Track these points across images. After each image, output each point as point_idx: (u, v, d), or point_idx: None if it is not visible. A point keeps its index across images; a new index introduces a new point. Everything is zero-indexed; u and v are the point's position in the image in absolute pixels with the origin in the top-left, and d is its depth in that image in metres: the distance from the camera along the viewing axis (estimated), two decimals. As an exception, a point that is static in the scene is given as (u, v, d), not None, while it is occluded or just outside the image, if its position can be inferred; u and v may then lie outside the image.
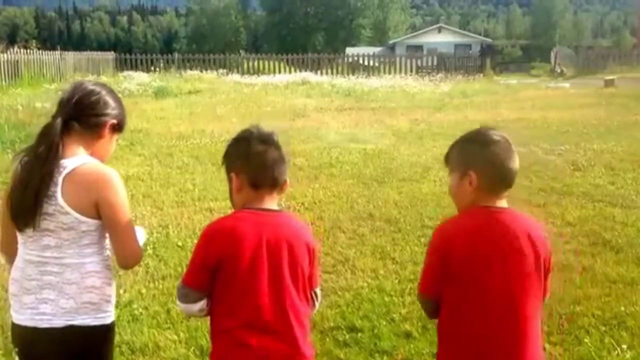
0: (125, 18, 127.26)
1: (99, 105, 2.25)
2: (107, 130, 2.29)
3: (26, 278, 2.11)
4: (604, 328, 3.81)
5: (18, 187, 2.08)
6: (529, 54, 76.20)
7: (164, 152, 9.65)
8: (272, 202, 2.16)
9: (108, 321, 2.20)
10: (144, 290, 4.50)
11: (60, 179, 2.06)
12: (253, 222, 2.09)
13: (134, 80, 22.56)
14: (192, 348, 3.67)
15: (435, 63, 30.75)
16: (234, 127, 12.03)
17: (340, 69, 29.71)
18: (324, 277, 4.64)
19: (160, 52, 48.06)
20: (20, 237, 2.14)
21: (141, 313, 4.10)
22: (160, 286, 4.58)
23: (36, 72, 22.43)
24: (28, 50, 22.72)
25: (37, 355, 2.14)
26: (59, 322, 2.08)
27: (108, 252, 2.21)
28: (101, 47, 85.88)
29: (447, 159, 2.35)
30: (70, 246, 2.10)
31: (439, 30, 57.98)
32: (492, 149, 2.26)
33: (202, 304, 2.06)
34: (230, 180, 2.22)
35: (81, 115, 2.21)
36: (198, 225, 5.87)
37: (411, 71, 29.71)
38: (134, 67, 30.02)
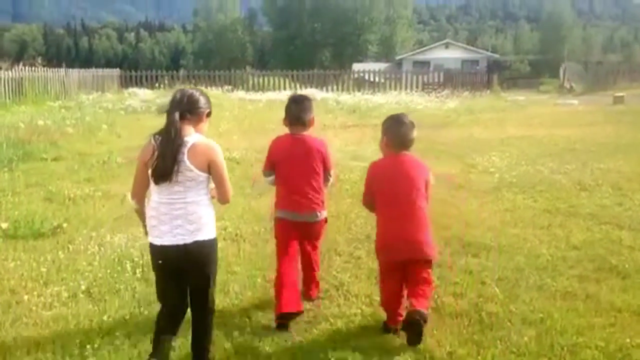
0: (132, 35, 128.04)
1: (199, 102, 3.48)
2: (204, 117, 3.55)
3: (161, 214, 3.34)
4: (608, 362, 3.60)
5: (158, 156, 3.25)
6: (537, 70, 76.04)
7: (162, 170, 9.48)
8: (301, 132, 4.36)
9: (215, 235, 3.47)
10: (128, 317, 4.32)
11: (185, 150, 3.27)
12: (289, 140, 4.40)
13: (138, 97, 22.52)
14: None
15: (441, 79, 30.60)
16: (235, 144, 11.99)
17: (345, 85, 29.58)
18: (317, 302, 4.51)
19: (167, 69, 48.27)
20: (155, 188, 3.34)
21: (123, 342, 3.90)
22: (146, 312, 4.39)
23: (40, 90, 22.42)
24: (33, 68, 22.73)
25: (173, 264, 3.36)
26: (189, 239, 3.31)
27: (209, 193, 3.45)
28: (109, 64, 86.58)
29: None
30: (190, 190, 3.33)
31: (446, 46, 57.92)
32: (397, 126, 4.13)
33: (272, 178, 4.48)
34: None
35: (189, 109, 3.41)
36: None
37: (417, 87, 29.58)
38: (139, 83, 30.01)
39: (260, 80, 31.35)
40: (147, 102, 20.65)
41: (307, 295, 4.54)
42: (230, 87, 28.83)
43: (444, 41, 61.62)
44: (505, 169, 9.17)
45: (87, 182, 8.73)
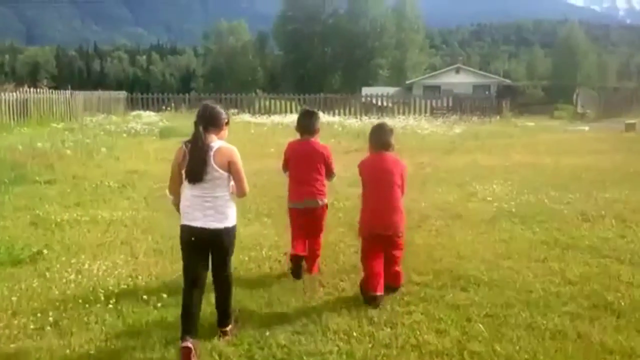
0: (144, 57, 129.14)
1: (220, 115, 4.24)
2: (224, 126, 4.28)
3: (193, 205, 4.13)
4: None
5: (190, 160, 4.05)
6: (551, 95, 75.65)
7: (154, 195, 9.31)
8: (309, 138, 5.68)
9: (235, 223, 4.26)
10: (92, 351, 4.10)
11: (211, 154, 4.06)
12: (299, 144, 5.76)
13: (142, 119, 22.50)
14: None
15: (450, 104, 30.41)
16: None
17: (352, 109, 29.47)
18: (293, 338, 4.27)
19: (177, 91, 48.45)
20: (188, 185, 4.13)
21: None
22: (112, 346, 4.18)
23: (45, 111, 22.47)
24: (38, 90, 22.79)
25: (203, 242, 4.15)
26: (217, 225, 4.12)
27: (229, 189, 4.20)
28: (120, 86, 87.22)
29: None
30: (217, 187, 4.12)
31: (457, 70, 57.76)
32: (378, 132, 5.25)
33: (288, 173, 5.87)
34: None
35: (211, 122, 4.17)
36: (170, 277, 5.49)
37: (425, 112, 29.41)
38: (145, 106, 30.08)
39: (267, 103, 31.34)
40: (150, 125, 20.62)
41: (309, 271, 5.70)
42: (236, 111, 28.83)
43: (455, 66, 61.42)
44: (506, 198, 8.89)
45: (76, 206, 8.55)
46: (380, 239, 5.07)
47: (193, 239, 4.17)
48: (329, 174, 5.86)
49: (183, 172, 4.14)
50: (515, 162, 12.74)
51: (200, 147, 4.05)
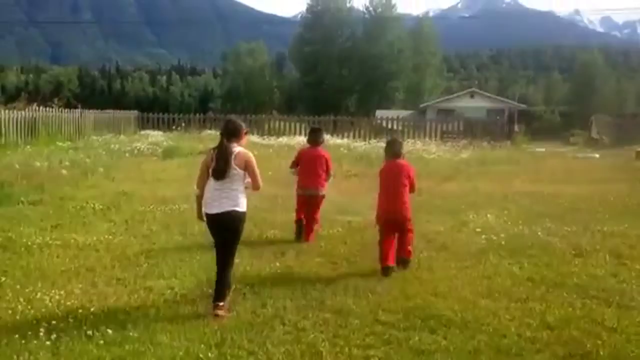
0: (164, 78, 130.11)
1: (240, 128, 5.44)
2: (243, 135, 5.46)
3: (214, 195, 5.28)
4: None
5: (216, 162, 5.24)
6: (569, 121, 74.91)
7: (136, 219, 9.08)
8: (315, 147, 8.30)
9: (245, 210, 5.39)
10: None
11: (232, 157, 5.22)
12: (308, 149, 8.40)
13: (148, 139, 22.40)
14: None
15: (461, 128, 30.01)
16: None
17: (362, 132, 29.17)
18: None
19: (195, 111, 48.56)
20: (212, 181, 5.30)
21: None
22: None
23: (54, 130, 22.44)
24: (48, 109, 22.80)
25: (220, 223, 5.30)
26: (229, 208, 5.24)
27: (244, 185, 5.38)
28: (139, 105, 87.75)
29: None
30: (234, 182, 5.26)
31: (472, 95, 57.43)
32: (391, 144, 7.12)
33: (294, 170, 8.44)
34: None
35: (233, 133, 5.36)
36: (124, 308, 5.20)
37: (436, 136, 29.04)
38: (156, 125, 30.04)
39: (277, 124, 31.20)
40: (155, 145, 20.48)
41: (305, 239, 7.97)
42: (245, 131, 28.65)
43: (469, 90, 61.09)
44: (499, 229, 8.49)
45: (53, 229, 8.30)
46: (391, 224, 6.72)
47: (213, 223, 5.42)
48: (328, 173, 8.31)
49: (210, 170, 5.36)
50: (516, 190, 12.35)
51: (224, 152, 5.32)
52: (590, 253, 7.25)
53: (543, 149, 25.89)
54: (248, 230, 8.28)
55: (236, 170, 5.30)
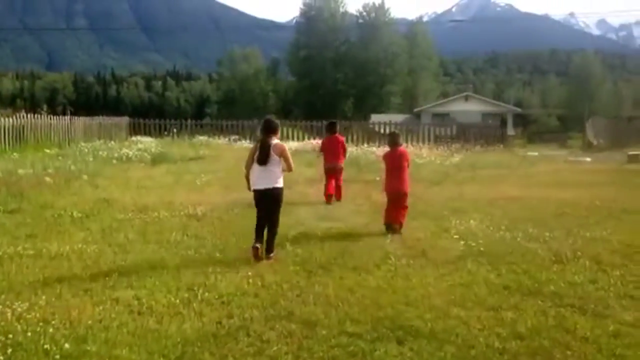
0: (160, 83, 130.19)
1: (276, 125, 7.50)
2: (277, 131, 7.50)
3: (258, 177, 7.32)
4: None
5: (260, 151, 7.24)
6: (566, 124, 74.95)
7: (114, 227, 8.95)
8: (332, 136, 12.37)
9: (282, 186, 7.45)
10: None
11: (271, 147, 7.24)
12: (328, 138, 12.50)
13: (137, 145, 22.28)
14: None
15: (454, 132, 29.96)
16: (205, 199, 11.42)
17: (356, 136, 29.06)
18: None
19: (192, 116, 48.50)
20: (257, 165, 7.29)
21: None
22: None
23: (42, 137, 22.30)
24: (36, 115, 22.66)
25: (263, 198, 7.37)
26: (269, 186, 7.30)
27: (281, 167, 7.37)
28: (135, 111, 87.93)
29: None
30: (272, 166, 7.27)
31: (466, 98, 57.42)
32: (391, 137, 9.95)
33: (322, 154, 12.41)
34: None
35: (270, 129, 7.38)
36: (86, 321, 5.06)
37: (429, 140, 28.99)
38: (148, 131, 29.95)
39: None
40: (144, 151, 20.36)
41: (337, 199, 11.76)
42: (237, 137, 28.62)
43: (464, 94, 61.07)
44: (480, 235, 8.37)
45: (28, 238, 8.17)
46: (393, 196, 9.05)
47: (258, 198, 7.41)
48: (344, 153, 12.36)
49: (255, 157, 7.31)
50: (502, 195, 12.22)
51: (265, 144, 7.28)
52: (571, 259, 7.10)
53: (536, 153, 25.79)
54: (224, 238, 8.24)
55: (274, 157, 7.27)
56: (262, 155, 7.20)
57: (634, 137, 33.88)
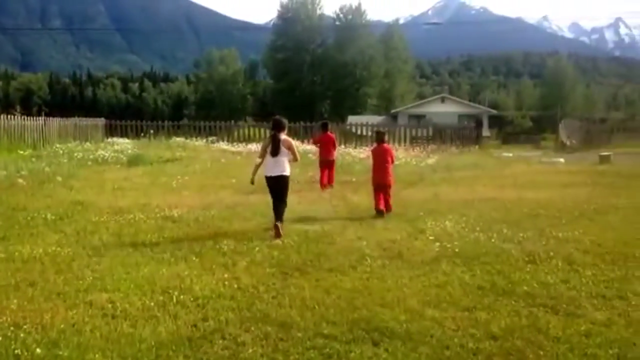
0: (137, 85, 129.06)
1: (283, 123, 9.07)
2: (285, 128, 9.11)
3: (270, 166, 8.85)
4: None
5: (272, 145, 8.81)
6: (540, 126, 75.88)
7: (88, 229, 8.85)
8: (325, 134, 14.97)
9: (289, 174, 8.99)
10: None
11: (281, 142, 8.81)
12: (321, 135, 15.21)
13: (114, 147, 22.09)
14: None
15: (430, 133, 30.15)
16: (182, 201, 11.36)
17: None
18: None
19: (170, 118, 48.18)
20: (269, 156, 8.84)
21: None
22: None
23: (16, 138, 22.05)
24: (9, 116, 22.38)
25: (274, 183, 8.85)
26: (279, 173, 8.83)
27: (289, 158, 8.96)
28: (112, 112, 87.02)
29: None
30: (282, 157, 8.83)
31: (442, 100, 57.84)
32: (378, 134, 11.78)
33: (316, 147, 15.67)
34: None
35: (279, 127, 8.95)
36: (59, 325, 5.00)
37: (405, 141, 29.13)
38: (125, 133, 29.74)
39: (246, 131, 31.08)
40: (120, 153, 20.20)
41: (329, 184, 14.02)
42: (214, 138, 28.52)
43: (440, 95, 61.56)
44: (456, 236, 8.44)
45: (0, 240, 8.06)
46: (379, 186, 10.61)
47: (271, 183, 8.85)
48: (335, 148, 14.86)
49: (268, 150, 8.84)
50: (477, 196, 12.33)
51: (275, 139, 8.79)
52: (544, 260, 7.19)
53: (510, 154, 26.06)
54: (200, 240, 8.21)
55: (283, 150, 8.78)
56: (274, 148, 8.75)
57: (606, 138, 34.43)
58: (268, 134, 31.60)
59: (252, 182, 9.04)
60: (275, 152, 8.71)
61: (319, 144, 15.00)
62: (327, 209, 10.99)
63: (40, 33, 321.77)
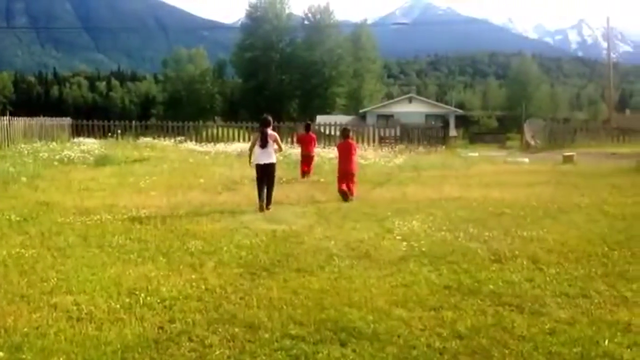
0: (104, 84, 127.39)
1: (269, 120, 11.42)
2: (271, 124, 11.45)
3: (260, 155, 11.18)
4: None
5: (261, 138, 11.15)
6: (505, 125, 76.92)
7: (53, 231, 8.72)
8: (307, 133, 17.95)
9: (275, 161, 11.53)
10: None
11: (268, 135, 11.19)
12: (303, 134, 18.02)
13: (80, 146, 21.79)
14: None
15: (398, 133, 30.35)
16: (149, 202, 11.27)
17: (296, 138, 29.08)
18: None
19: (138, 117, 47.65)
20: (259, 148, 11.21)
21: None
22: None
23: (-20, 138, 21.64)
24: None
25: (264, 170, 11.11)
26: (267, 161, 11.19)
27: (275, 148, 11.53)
28: (78, 111, 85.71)
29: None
30: (269, 147, 11.21)
31: (410, 100, 58.24)
32: (343, 131, 14.14)
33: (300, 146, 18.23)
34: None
35: (267, 123, 11.31)
36: (22, 328, 4.92)
37: (374, 141, 29.27)
38: (91, 132, 29.36)
39: (215, 131, 30.93)
40: (87, 153, 19.93)
41: (308, 175, 16.66)
42: (183, 138, 28.32)
43: (408, 95, 62.02)
44: (423, 235, 8.52)
45: (-39, 243, 7.90)
46: (344, 175, 12.43)
47: (260, 170, 10.94)
48: (314, 145, 17.71)
49: (258, 142, 10.99)
50: (444, 195, 12.46)
51: (263, 133, 10.95)
52: (509, 259, 7.29)
53: (476, 154, 26.37)
54: (168, 241, 8.14)
55: (270, 142, 11.03)
56: (263, 141, 11.01)
57: (569, 137, 35.04)
58: (237, 133, 31.20)
59: (250, 164, 11.37)
60: (264, 144, 11.00)
61: (301, 143, 17.45)
62: (295, 210, 10.98)
63: (5, 31, 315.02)
